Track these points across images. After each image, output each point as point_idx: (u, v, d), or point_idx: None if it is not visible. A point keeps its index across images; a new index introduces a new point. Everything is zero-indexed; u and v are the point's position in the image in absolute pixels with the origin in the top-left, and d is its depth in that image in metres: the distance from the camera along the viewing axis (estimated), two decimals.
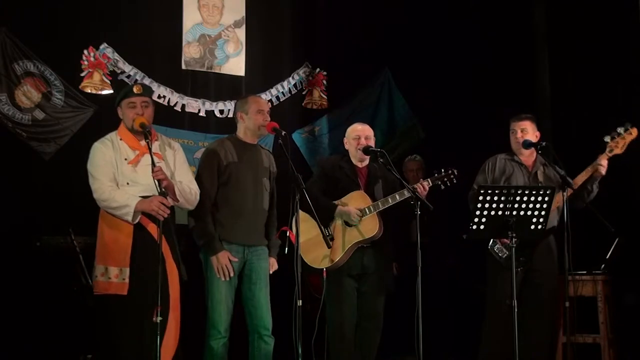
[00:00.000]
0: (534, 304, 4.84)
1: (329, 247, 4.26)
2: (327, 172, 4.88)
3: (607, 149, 4.77)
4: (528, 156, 5.05)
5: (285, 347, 4.42)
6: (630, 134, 4.78)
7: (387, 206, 4.68)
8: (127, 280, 3.97)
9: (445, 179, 4.76)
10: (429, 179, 4.74)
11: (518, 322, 4.27)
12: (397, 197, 4.64)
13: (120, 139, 4.14)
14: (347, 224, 4.74)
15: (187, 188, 4.18)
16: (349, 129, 4.95)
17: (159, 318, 3.79)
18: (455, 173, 4.77)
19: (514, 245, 4.29)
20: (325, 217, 4.64)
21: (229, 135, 4.67)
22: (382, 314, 4.84)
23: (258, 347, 4.43)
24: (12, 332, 5.03)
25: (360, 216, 4.68)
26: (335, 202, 4.77)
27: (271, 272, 4.57)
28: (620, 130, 4.77)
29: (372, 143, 4.88)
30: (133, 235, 4.01)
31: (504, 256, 4.79)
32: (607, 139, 4.78)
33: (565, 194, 4.58)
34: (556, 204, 4.65)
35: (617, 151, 4.77)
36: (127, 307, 3.95)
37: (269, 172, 4.60)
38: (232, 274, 4.35)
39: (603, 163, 4.74)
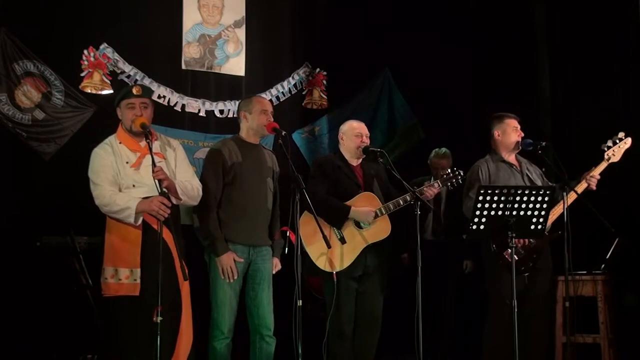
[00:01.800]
0: (535, 302, 4.84)
1: (329, 247, 4.25)
2: (327, 172, 4.87)
3: (605, 157, 4.86)
4: (513, 155, 5.07)
5: (285, 347, 4.42)
6: (625, 143, 4.90)
7: (398, 208, 4.70)
8: (138, 281, 3.96)
9: (454, 180, 4.84)
10: (438, 181, 4.80)
11: (520, 322, 4.28)
12: (408, 198, 4.66)
13: (120, 143, 4.12)
14: (358, 225, 4.74)
15: (189, 185, 4.17)
16: (346, 127, 4.94)
17: (159, 318, 3.78)
18: (462, 174, 4.85)
19: (514, 245, 4.30)
20: (337, 219, 4.64)
21: (232, 136, 4.67)
22: (381, 314, 4.85)
23: (260, 347, 4.43)
24: (12, 332, 5.03)
25: (374, 217, 4.69)
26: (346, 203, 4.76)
27: (274, 272, 4.57)
28: (616, 139, 4.89)
29: (368, 141, 4.90)
30: (142, 235, 4.00)
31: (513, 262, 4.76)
32: (605, 147, 4.88)
33: (565, 195, 4.58)
34: (554, 215, 4.67)
35: (614, 159, 4.87)
36: (140, 308, 3.91)
37: (272, 172, 4.61)
38: (236, 276, 4.35)
39: (596, 176, 4.81)
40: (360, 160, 4.92)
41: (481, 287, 5.07)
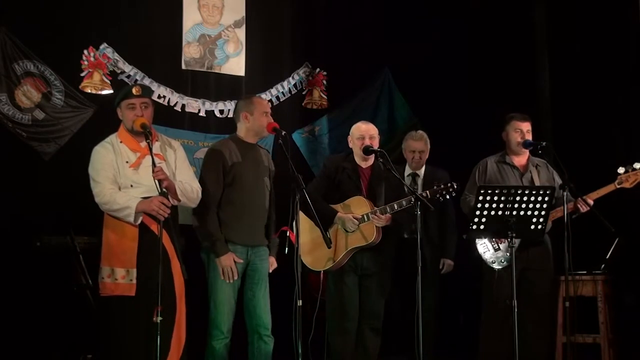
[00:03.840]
0: (530, 302, 4.82)
1: (329, 247, 4.25)
2: (329, 173, 4.86)
3: (617, 180, 4.72)
4: (522, 157, 5.03)
5: (285, 347, 4.42)
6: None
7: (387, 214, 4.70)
8: (134, 281, 3.96)
9: (444, 192, 4.65)
10: (427, 191, 4.66)
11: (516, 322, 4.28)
12: (396, 206, 4.63)
13: (121, 142, 4.11)
14: (345, 229, 4.75)
15: (189, 187, 4.16)
16: (354, 128, 4.91)
17: (159, 318, 3.78)
18: (455, 187, 4.68)
19: (514, 245, 4.30)
20: (324, 221, 4.63)
21: (230, 136, 4.64)
22: (382, 315, 4.84)
23: (258, 347, 4.42)
24: (12, 332, 5.03)
25: (357, 225, 4.69)
26: (334, 206, 4.75)
27: (270, 270, 4.56)
28: (636, 165, 4.69)
29: (376, 142, 4.83)
30: (138, 236, 4.00)
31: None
32: (621, 170, 4.72)
33: (565, 194, 4.57)
34: (554, 216, 4.65)
35: (626, 185, 4.72)
36: (135, 308, 3.92)
37: (269, 171, 4.59)
38: (236, 277, 4.34)
39: (589, 201, 4.62)
40: (371, 162, 4.89)
41: (478, 286, 5.08)
